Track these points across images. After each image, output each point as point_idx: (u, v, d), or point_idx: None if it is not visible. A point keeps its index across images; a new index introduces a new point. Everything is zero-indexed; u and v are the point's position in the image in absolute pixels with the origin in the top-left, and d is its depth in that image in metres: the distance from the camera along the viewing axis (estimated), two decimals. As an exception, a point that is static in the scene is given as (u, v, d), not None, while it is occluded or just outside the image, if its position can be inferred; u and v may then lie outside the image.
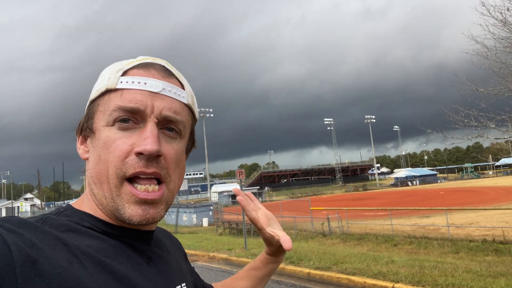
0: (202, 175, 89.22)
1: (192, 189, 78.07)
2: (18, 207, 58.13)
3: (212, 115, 67.08)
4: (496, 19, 9.48)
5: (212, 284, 1.04)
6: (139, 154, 0.63)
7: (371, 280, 7.27)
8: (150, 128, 0.64)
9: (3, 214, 65.05)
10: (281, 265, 9.34)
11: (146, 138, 0.63)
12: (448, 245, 11.82)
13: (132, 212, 0.63)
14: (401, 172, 79.54)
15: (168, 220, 28.07)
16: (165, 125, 0.67)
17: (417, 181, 66.68)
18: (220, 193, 48.57)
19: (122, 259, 0.63)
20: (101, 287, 0.56)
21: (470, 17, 10.09)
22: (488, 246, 10.93)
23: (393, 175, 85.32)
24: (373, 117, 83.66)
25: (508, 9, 9.27)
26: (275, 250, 0.97)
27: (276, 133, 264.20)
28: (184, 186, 35.82)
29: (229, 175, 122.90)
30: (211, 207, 28.25)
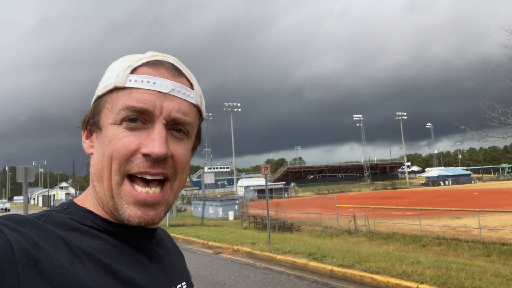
0: (229, 169, 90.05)
1: (219, 183, 78.94)
2: (54, 195, 60.87)
3: (239, 109, 67.37)
4: None
5: None
6: (146, 155, 0.62)
7: (394, 280, 7.14)
8: (159, 129, 0.63)
9: (40, 201, 68.41)
10: (304, 261, 9.35)
11: (154, 140, 0.62)
12: (480, 247, 11.41)
13: (131, 213, 0.63)
14: (433, 171, 77.12)
15: (195, 213, 28.61)
16: (174, 126, 0.67)
17: (450, 181, 64.42)
18: (246, 187, 48.90)
19: (123, 259, 0.63)
20: (102, 287, 0.56)
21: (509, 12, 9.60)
22: (522, 251, 10.46)
23: (424, 174, 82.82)
24: (405, 113, 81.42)
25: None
26: None
27: (307, 129, 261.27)
28: (211, 180, 36.28)
29: (255, 170, 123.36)
30: (237, 201, 28.51)
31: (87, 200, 0.70)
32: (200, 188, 58.18)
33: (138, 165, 0.63)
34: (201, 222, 21.90)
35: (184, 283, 0.75)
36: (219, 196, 44.72)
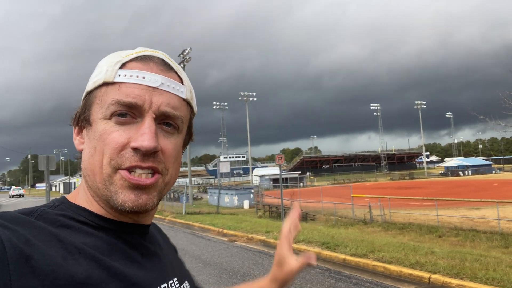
0: (244, 158, 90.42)
1: (234, 172, 79.42)
2: (75, 182, 62.55)
3: (255, 99, 67.28)
4: None
5: None
6: (135, 149, 0.62)
7: (407, 270, 7.14)
8: (148, 123, 0.64)
9: (62, 188, 70.43)
10: (317, 250, 9.41)
11: (144, 134, 0.62)
12: (498, 239, 11.22)
13: (125, 197, 0.63)
14: (452, 161, 75.61)
15: (211, 201, 28.96)
16: (163, 120, 0.67)
17: (470, 171, 63.07)
18: (261, 176, 49.06)
19: (116, 256, 0.63)
20: (96, 283, 0.56)
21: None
22: (542, 242, 10.24)
23: (443, 164, 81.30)
24: (424, 102, 79.72)
25: None
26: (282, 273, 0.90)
27: (324, 118, 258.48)
28: (226, 169, 36.54)
29: (271, 159, 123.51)
30: (252, 190, 28.68)
31: (79, 197, 0.70)
32: (216, 177, 58.73)
33: (129, 159, 0.62)
34: (217, 210, 22.18)
35: (175, 279, 0.75)
36: (234, 185, 45.07)
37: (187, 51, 29.97)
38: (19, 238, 0.52)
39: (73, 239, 0.59)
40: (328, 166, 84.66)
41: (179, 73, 0.72)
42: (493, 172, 65.82)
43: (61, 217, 0.62)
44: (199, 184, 57.31)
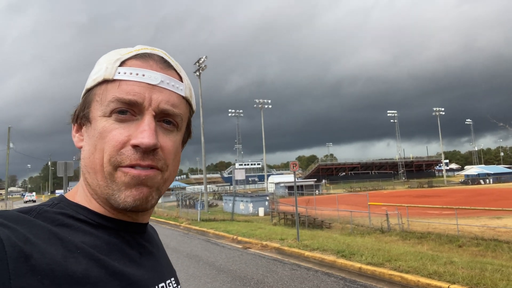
0: (259, 166, 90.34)
1: (250, 179, 79.42)
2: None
3: (270, 106, 67.34)
4: None
5: None
6: (135, 146, 0.63)
7: (425, 280, 6.95)
8: (148, 121, 0.64)
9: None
10: (333, 258, 9.28)
11: (143, 131, 0.63)
12: (521, 249, 10.84)
13: (127, 193, 0.64)
14: (472, 169, 73.79)
15: (226, 208, 28.99)
16: (163, 117, 0.67)
17: (491, 180, 61.30)
18: (276, 184, 48.87)
19: (115, 255, 0.63)
20: (95, 282, 0.56)
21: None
22: None
23: (463, 172, 79.36)
24: (442, 109, 78.23)
25: None
26: None
27: (342, 124, 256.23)
28: (241, 176, 36.57)
29: (286, 166, 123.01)
30: (267, 197, 28.58)
31: (78, 195, 0.70)
32: (231, 184, 58.81)
33: (129, 157, 0.63)
34: (232, 217, 22.16)
35: (172, 278, 0.76)
36: (249, 192, 45.05)
37: (202, 59, 30.33)
38: (19, 237, 0.52)
39: (73, 238, 0.59)
40: (344, 173, 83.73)
41: (178, 71, 0.72)
42: (516, 180, 63.84)
43: (60, 215, 0.62)
44: (214, 191, 57.46)
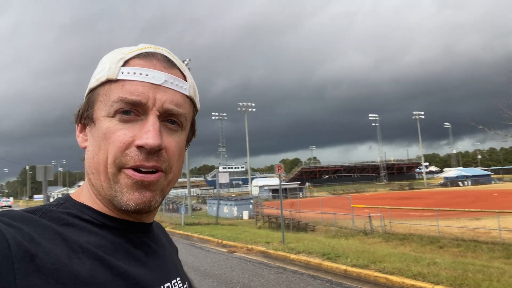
0: (243, 169, 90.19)
1: (234, 183, 79.11)
2: (73, 194, 62.17)
3: (254, 109, 67.43)
4: None
5: None
6: (140, 147, 0.62)
7: (409, 281, 7.04)
8: (152, 121, 0.63)
9: (60, 200, 70.00)
10: (318, 261, 9.31)
11: (148, 132, 0.62)
12: (499, 249, 11.15)
13: (130, 196, 0.63)
14: (451, 172, 75.48)
15: (210, 212, 28.79)
16: (167, 117, 0.67)
17: (469, 182, 62.95)
18: (260, 187, 48.91)
19: (120, 255, 0.63)
20: (100, 282, 0.56)
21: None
22: (544, 253, 10.16)
23: (442, 175, 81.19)
24: (422, 113, 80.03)
25: None
26: None
27: (326, 128, 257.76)
28: (225, 179, 36.44)
29: (270, 170, 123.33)
30: (252, 201, 28.55)
31: (83, 195, 0.70)
32: (215, 188, 58.51)
33: (133, 158, 0.62)
34: (216, 221, 22.02)
35: (178, 278, 0.75)
36: (233, 195, 44.88)
37: (186, 62, 30.16)
38: (24, 236, 0.52)
39: (78, 238, 0.59)
40: (327, 176, 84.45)
41: (182, 70, 0.72)
42: (493, 182, 65.72)
43: (65, 215, 0.62)
44: (198, 195, 57.07)
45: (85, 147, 0.70)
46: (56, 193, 75.92)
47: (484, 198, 32.61)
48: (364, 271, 8.07)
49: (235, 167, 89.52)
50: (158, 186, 0.66)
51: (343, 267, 8.59)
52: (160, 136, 0.63)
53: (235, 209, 26.96)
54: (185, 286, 0.77)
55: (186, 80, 0.71)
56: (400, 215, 19.02)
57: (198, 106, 0.76)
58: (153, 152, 0.63)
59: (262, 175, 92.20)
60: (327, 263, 9.07)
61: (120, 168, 0.63)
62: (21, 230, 0.53)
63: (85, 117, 0.69)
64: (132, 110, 0.64)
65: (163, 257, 0.75)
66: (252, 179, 63.76)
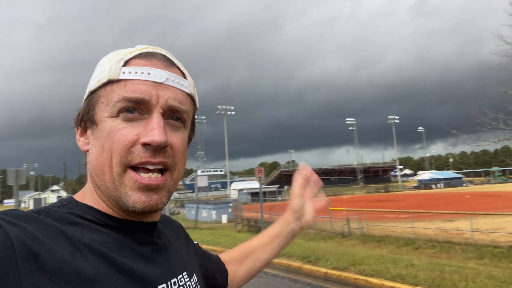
0: (222, 172, 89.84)
1: (212, 186, 78.63)
2: (45, 198, 60.21)
3: (233, 112, 67.38)
4: None
5: (229, 251, 1.10)
6: (146, 144, 0.63)
7: (389, 283, 7.15)
8: (157, 118, 0.64)
9: (31, 205, 67.61)
10: (298, 264, 9.33)
11: (153, 129, 0.63)
12: (472, 250, 11.50)
13: (136, 198, 0.63)
14: (425, 175, 77.73)
15: (188, 216, 28.48)
16: (170, 115, 0.68)
17: (442, 184, 64.95)
18: (239, 190, 48.80)
19: (125, 252, 0.63)
20: (105, 279, 0.56)
21: (501, 17, 9.75)
22: (514, 253, 10.56)
23: (416, 177, 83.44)
24: (397, 117, 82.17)
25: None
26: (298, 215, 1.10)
27: (305, 131, 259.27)
28: (204, 183, 36.16)
29: (249, 173, 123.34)
30: (230, 204, 28.43)
31: (85, 197, 0.70)
32: (194, 191, 57.97)
33: (139, 156, 0.63)
34: (195, 225, 21.77)
35: (185, 273, 0.76)
36: (212, 199, 44.58)
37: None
38: (27, 235, 0.52)
39: (81, 236, 0.59)
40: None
41: (181, 69, 0.73)
42: (464, 185, 68.02)
43: (69, 214, 0.63)
44: (176, 198, 56.30)
45: (86, 151, 0.69)
46: (28, 197, 73.24)
47: (457, 200, 33.71)
48: (344, 274, 8.14)
49: (214, 171, 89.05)
50: (165, 188, 0.67)
51: (324, 270, 8.64)
52: (165, 133, 0.64)
53: (214, 212, 26.77)
54: (192, 279, 0.77)
55: (186, 78, 0.72)
56: (377, 218, 19.39)
57: (198, 104, 0.77)
58: (159, 149, 0.64)
59: (241, 179, 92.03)
60: (308, 266, 9.10)
61: (126, 167, 0.63)
62: (24, 229, 0.53)
63: (85, 120, 0.69)
64: (136, 109, 0.64)
65: (169, 253, 0.75)
66: (231, 182, 63.56)
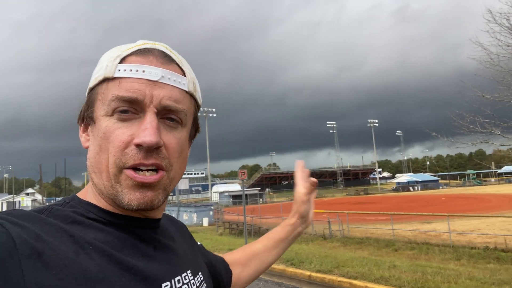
0: (203, 175, 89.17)
1: (193, 189, 78.00)
2: (19, 201, 58.24)
3: (215, 115, 67.09)
4: (501, 26, 9.46)
5: (232, 252, 1.09)
6: (138, 145, 0.62)
7: (373, 285, 7.22)
8: (150, 118, 0.62)
9: (4, 208, 65.28)
10: (282, 267, 9.30)
11: (145, 130, 0.61)
12: (450, 251, 11.76)
13: (131, 196, 0.62)
14: (402, 177, 79.39)
15: (169, 219, 28.09)
16: (166, 114, 0.66)
17: (419, 187, 66.49)
18: (221, 193, 48.56)
19: (128, 250, 0.63)
20: (109, 277, 0.56)
21: (479, 24, 10.04)
22: (490, 254, 10.87)
23: (394, 180, 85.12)
24: (376, 121, 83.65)
25: (515, 16, 9.23)
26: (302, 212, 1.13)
27: (287, 134, 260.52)
28: (185, 186, 35.85)
29: (230, 175, 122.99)
30: (212, 207, 28.24)
31: (88, 194, 0.69)
32: (174, 194, 57.34)
33: (132, 157, 0.62)
34: (176, 228, 21.51)
35: (189, 271, 0.75)
36: (193, 202, 44.21)
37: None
38: (30, 234, 0.52)
39: (84, 234, 0.59)
40: (287, 182, 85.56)
41: (180, 65, 0.70)
42: (440, 187, 69.90)
43: (71, 213, 0.62)
44: (155, 201, 55.38)
45: (87, 147, 0.69)
46: (1, 200, 70.74)
47: (434, 202, 34.54)
48: (328, 276, 8.17)
49: (195, 173, 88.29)
50: (160, 185, 0.65)
51: (307, 272, 8.65)
52: (158, 134, 0.62)
53: (195, 215, 26.51)
54: (196, 277, 0.77)
55: (185, 75, 0.70)
56: (357, 220, 19.62)
57: (200, 101, 0.75)
58: (151, 150, 0.62)
59: (222, 181, 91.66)
60: (291, 269, 9.09)
61: (121, 168, 0.62)
62: (27, 229, 0.53)
63: (86, 117, 0.68)
64: (130, 108, 0.63)
65: (173, 251, 0.74)
66: (212, 185, 63.14)
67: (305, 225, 1.15)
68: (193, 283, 0.74)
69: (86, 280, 0.53)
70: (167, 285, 0.66)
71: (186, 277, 0.73)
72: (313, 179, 1.16)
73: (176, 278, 0.69)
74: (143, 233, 0.69)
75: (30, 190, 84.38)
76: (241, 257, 1.07)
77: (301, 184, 1.14)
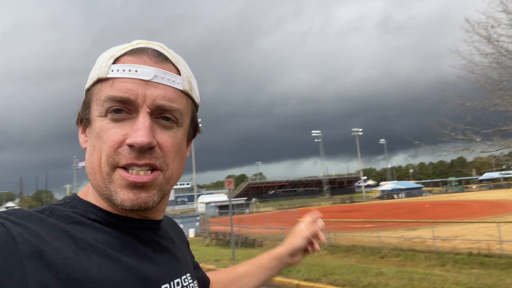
0: (189, 185, 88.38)
1: (179, 200, 77.14)
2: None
3: (200, 125, 66.82)
4: (480, 35, 9.78)
5: (216, 272, 1.08)
6: (130, 145, 0.62)
7: (360, 292, 7.24)
8: (142, 119, 0.62)
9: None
10: (270, 277, 9.25)
11: (137, 130, 0.61)
12: (435, 257, 11.92)
13: (124, 196, 0.62)
14: (387, 185, 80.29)
15: (154, 231, 27.64)
16: (160, 114, 0.65)
17: (403, 194, 67.34)
18: (207, 203, 48.10)
19: (128, 251, 0.63)
20: (109, 277, 0.56)
21: (459, 34, 10.36)
22: (474, 259, 11.05)
23: (379, 188, 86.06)
24: (360, 130, 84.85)
25: (492, 26, 9.57)
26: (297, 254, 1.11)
27: (273, 143, 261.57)
28: (170, 197, 35.36)
29: (216, 186, 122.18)
30: (198, 218, 27.94)
31: (89, 194, 0.69)
32: (159, 205, 56.42)
33: (125, 157, 0.62)
34: (161, 240, 21.18)
35: (188, 274, 0.76)
36: (179, 213, 43.61)
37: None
38: (31, 234, 0.53)
39: (84, 235, 0.59)
40: (273, 191, 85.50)
41: (175, 64, 0.69)
42: (424, 194, 70.97)
43: (72, 213, 0.63)
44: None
45: (85, 148, 0.69)
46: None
47: (418, 209, 35.01)
48: (316, 285, 8.15)
49: (181, 184, 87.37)
50: (155, 186, 0.65)
51: (295, 281, 8.61)
52: (150, 134, 0.62)
53: (180, 227, 26.17)
54: (195, 281, 0.78)
55: (180, 74, 0.69)
56: (344, 228, 19.70)
57: (198, 100, 0.75)
58: (144, 150, 0.62)
59: (208, 192, 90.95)
60: (279, 278, 9.03)
61: (114, 167, 0.63)
62: (28, 228, 0.53)
63: (83, 119, 0.69)
64: (123, 108, 0.63)
65: (173, 253, 0.74)
66: (198, 195, 62.57)
67: (291, 261, 1.10)
68: (192, 286, 0.75)
69: (87, 279, 0.53)
70: (166, 287, 0.66)
71: (186, 280, 0.73)
72: (321, 235, 1.13)
73: (175, 281, 0.69)
74: (143, 234, 0.69)
75: (10, 204, 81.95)
76: (223, 278, 1.06)
77: (306, 222, 1.14)
